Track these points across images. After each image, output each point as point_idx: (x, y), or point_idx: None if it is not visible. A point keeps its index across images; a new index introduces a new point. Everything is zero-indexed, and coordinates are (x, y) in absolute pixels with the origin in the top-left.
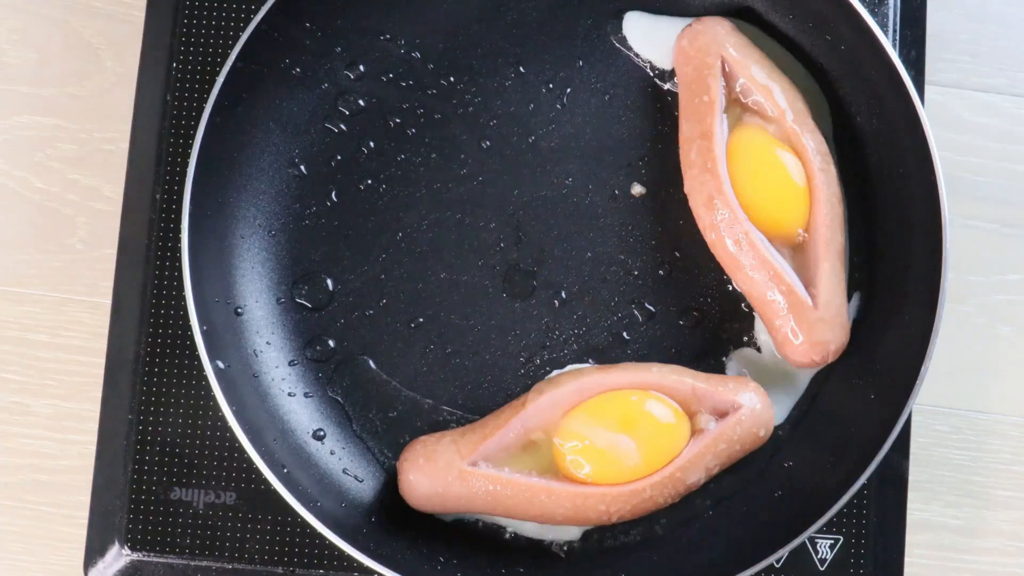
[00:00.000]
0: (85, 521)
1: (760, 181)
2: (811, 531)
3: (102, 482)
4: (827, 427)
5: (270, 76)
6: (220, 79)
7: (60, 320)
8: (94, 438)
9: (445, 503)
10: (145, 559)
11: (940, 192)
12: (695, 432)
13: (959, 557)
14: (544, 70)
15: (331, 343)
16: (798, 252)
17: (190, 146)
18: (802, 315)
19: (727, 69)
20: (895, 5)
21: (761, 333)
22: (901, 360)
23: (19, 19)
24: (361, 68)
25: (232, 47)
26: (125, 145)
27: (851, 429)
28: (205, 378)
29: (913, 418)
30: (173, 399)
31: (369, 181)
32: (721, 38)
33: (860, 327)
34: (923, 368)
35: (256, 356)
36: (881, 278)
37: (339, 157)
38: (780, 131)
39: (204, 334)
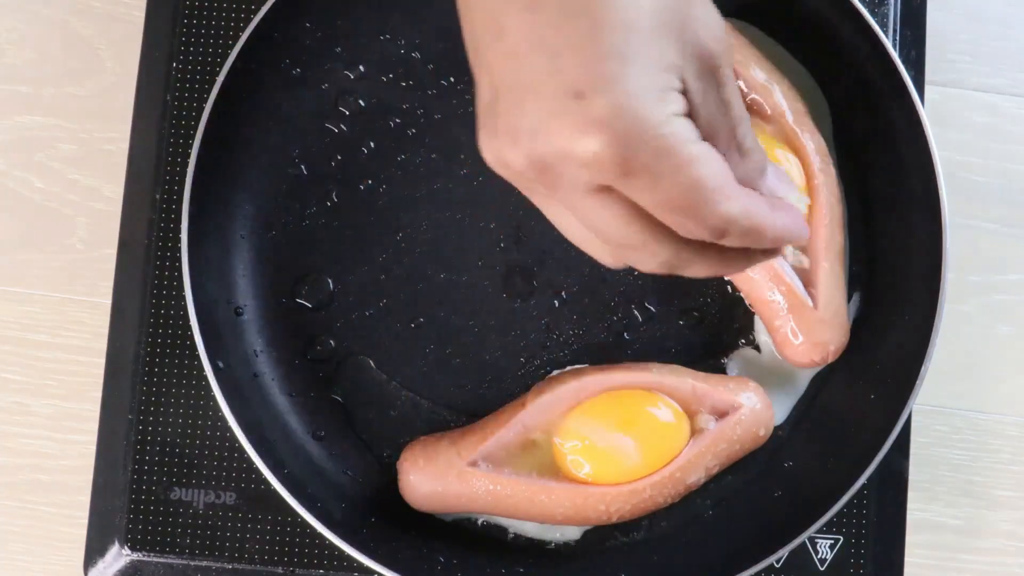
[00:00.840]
0: (85, 521)
1: None
2: (811, 531)
3: (102, 482)
4: (827, 427)
5: (270, 76)
6: (220, 79)
7: (60, 320)
8: (94, 438)
9: (445, 503)
10: (145, 559)
11: (940, 192)
12: (695, 432)
13: (959, 557)
14: None
15: (331, 343)
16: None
17: (190, 146)
18: (802, 315)
19: None
20: (895, 5)
21: (761, 333)
22: (901, 360)
23: (19, 19)
24: (361, 68)
25: (232, 47)
26: (125, 145)
27: (851, 429)
28: (205, 378)
29: (913, 418)
30: (173, 399)
31: (369, 181)
32: None
33: (860, 327)
34: (923, 368)
35: (256, 356)
36: (881, 278)
37: (339, 157)
38: (779, 131)
39: (204, 334)
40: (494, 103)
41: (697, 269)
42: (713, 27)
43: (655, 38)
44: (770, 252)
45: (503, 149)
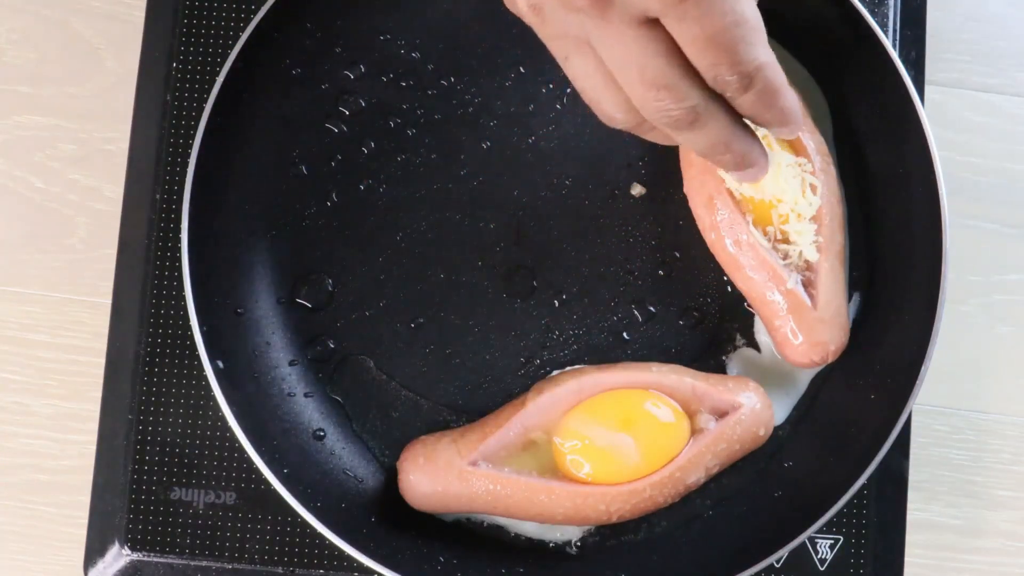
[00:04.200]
0: (85, 521)
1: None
2: (811, 531)
3: (102, 482)
4: (827, 427)
5: (270, 76)
6: (220, 79)
7: (60, 320)
8: (94, 438)
9: (445, 503)
10: (145, 559)
11: (940, 192)
12: (695, 432)
13: (959, 557)
14: (544, 70)
15: (331, 343)
16: None
17: (190, 146)
18: (802, 315)
19: None
20: (895, 5)
21: (761, 333)
22: (901, 360)
23: (19, 19)
24: (361, 68)
25: (232, 47)
26: (125, 145)
27: (851, 429)
28: (205, 378)
29: (913, 418)
30: (173, 399)
31: (369, 181)
32: None
33: (860, 327)
34: (923, 368)
35: (256, 356)
36: (881, 278)
37: (339, 157)
38: None
39: (204, 334)
40: None
41: (705, 135)
42: None
43: None
44: (752, 155)
45: None
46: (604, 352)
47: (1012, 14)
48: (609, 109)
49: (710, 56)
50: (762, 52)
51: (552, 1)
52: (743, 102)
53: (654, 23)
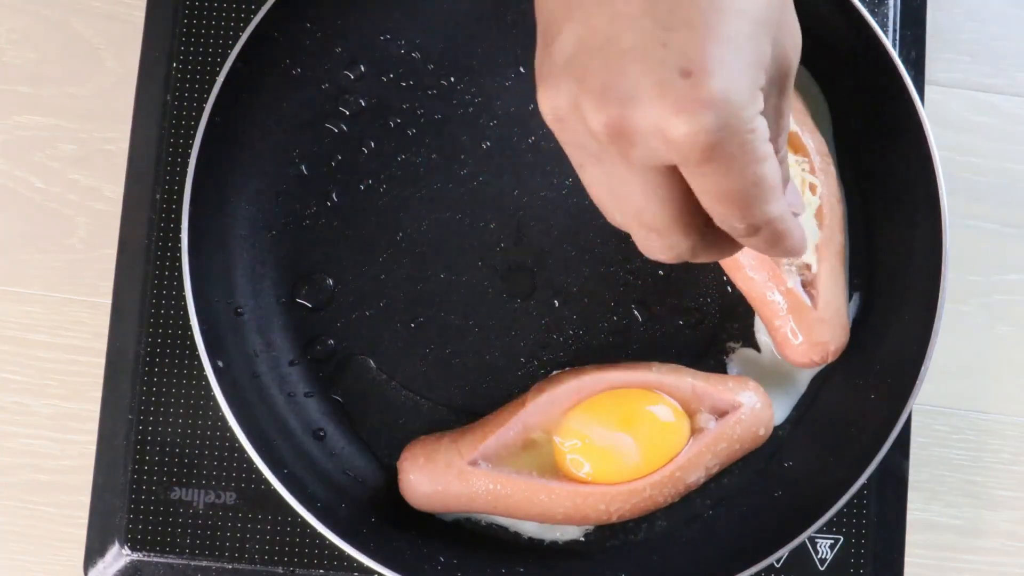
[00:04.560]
0: (85, 521)
1: None
2: (811, 531)
3: (102, 482)
4: (827, 427)
5: (270, 76)
6: (220, 79)
7: (60, 320)
8: (94, 438)
9: (445, 502)
10: (145, 559)
11: (940, 192)
12: (695, 431)
13: (959, 557)
14: None
15: (331, 343)
16: None
17: (190, 146)
18: (802, 315)
19: None
20: (895, 5)
21: (761, 333)
22: (901, 360)
23: (19, 19)
24: (361, 68)
25: (232, 47)
26: (125, 145)
27: (851, 429)
28: (205, 378)
29: (913, 418)
30: (173, 399)
31: (369, 181)
32: None
33: (860, 327)
34: (923, 368)
35: (256, 356)
36: (881, 278)
37: (339, 157)
38: None
39: (204, 334)
40: (581, 56)
41: (698, 259)
42: (796, 35)
43: (761, 33)
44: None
45: (584, 104)
46: (604, 352)
47: (1013, 14)
48: (612, 219)
49: (722, 208)
50: (774, 207)
51: (575, 118)
52: (746, 241)
53: (668, 168)
